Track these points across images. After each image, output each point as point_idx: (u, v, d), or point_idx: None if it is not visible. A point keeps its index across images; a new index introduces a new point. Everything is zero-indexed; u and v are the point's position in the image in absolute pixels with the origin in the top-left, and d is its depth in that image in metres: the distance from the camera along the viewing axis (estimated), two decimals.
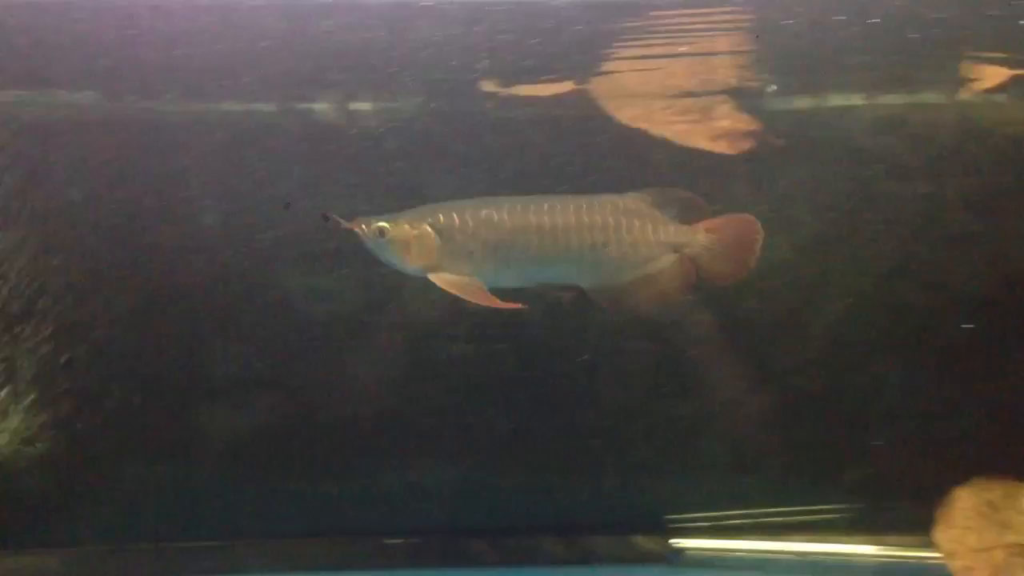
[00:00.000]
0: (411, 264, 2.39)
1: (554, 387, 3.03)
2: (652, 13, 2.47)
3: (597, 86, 2.78)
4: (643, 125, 2.78)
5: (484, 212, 2.41)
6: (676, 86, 2.80)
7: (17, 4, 2.36)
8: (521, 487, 3.07)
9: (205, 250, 2.93)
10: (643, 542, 3.05)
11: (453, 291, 2.37)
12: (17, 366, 2.92)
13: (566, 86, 2.77)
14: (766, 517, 3.05)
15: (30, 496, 3.02)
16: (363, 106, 2.91)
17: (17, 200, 2.83)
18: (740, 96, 2.81)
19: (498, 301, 2.36)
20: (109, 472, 3.05)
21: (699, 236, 2.43)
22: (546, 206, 2.41)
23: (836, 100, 2.93)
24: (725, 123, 2.79)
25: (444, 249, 2.38)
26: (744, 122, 2.80)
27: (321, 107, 2.91)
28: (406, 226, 2.38)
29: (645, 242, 2.42)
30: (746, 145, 2.78)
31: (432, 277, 2.39)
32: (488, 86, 2.75)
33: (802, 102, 2.93)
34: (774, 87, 2.87)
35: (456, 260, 2.39)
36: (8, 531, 3.05)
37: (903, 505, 2.97)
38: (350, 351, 3.01)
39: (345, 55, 2.62)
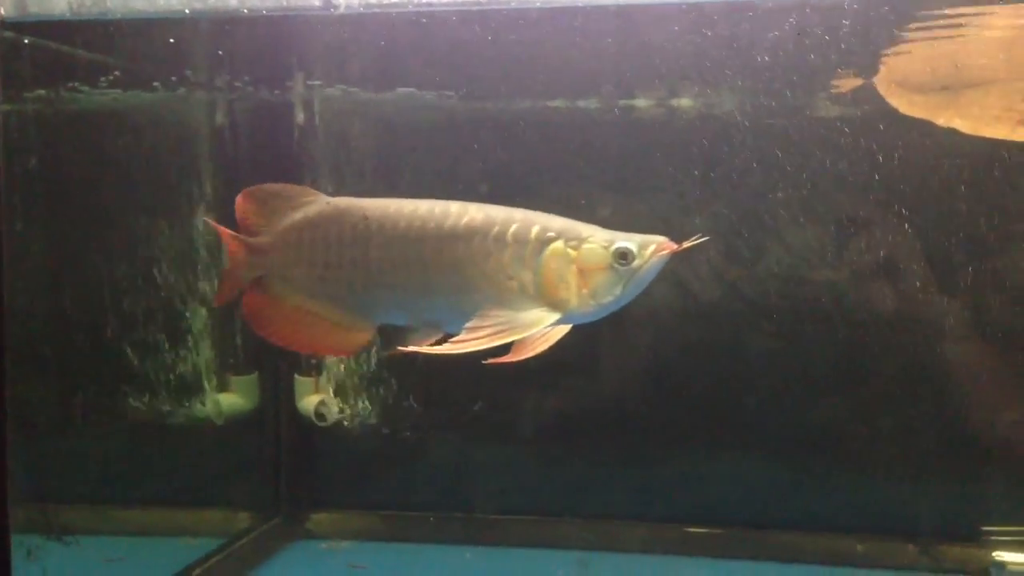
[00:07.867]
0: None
1: (871, 388, 2.98)
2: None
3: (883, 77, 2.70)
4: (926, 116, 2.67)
5: None
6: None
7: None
8: (830, 485, 3.01)
9: None
10: (960, 553, 2.89)
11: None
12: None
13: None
14: None
15: (355, 462, 3.33)
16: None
17: None
18: None
19: None
20: (428, 446, 3.28)
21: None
22: None
23: None
24: None
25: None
26: None
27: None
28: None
29: None
30: None
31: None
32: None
33: None
34: None
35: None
36: (331, 491, 3.36)
37: None
38: (662, 344, 3.11)
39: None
